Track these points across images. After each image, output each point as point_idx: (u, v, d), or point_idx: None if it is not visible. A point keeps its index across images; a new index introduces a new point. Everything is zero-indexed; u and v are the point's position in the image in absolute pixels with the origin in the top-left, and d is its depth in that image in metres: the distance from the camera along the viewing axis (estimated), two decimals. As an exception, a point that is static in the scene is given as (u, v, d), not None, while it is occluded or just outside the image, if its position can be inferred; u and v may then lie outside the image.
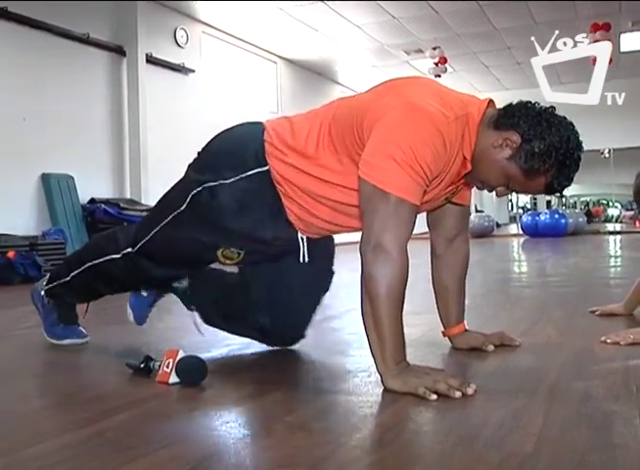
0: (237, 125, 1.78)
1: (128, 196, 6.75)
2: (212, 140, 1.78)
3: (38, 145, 5.78)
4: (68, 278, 1.99)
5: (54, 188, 5.82)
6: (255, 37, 8.81)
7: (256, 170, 1.61)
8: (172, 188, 1.82)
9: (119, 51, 6.74)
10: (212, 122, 7.51)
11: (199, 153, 1.77)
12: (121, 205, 6.13)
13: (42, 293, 2.08)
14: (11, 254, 4.86)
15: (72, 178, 6.02)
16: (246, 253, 1.71)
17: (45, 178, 5.81)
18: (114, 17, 6.73)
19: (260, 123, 1.70)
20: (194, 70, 7.78)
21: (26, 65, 5.69)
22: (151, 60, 7.04)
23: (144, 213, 6.19)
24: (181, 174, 1.77)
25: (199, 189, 1.65)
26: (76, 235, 5.87)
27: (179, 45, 7.62)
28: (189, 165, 1.77)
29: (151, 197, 6.71)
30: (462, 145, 1.48)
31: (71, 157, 6.10)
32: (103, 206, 6.01)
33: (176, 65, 7.50)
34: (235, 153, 1.66)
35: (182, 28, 7.65)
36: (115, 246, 1.87)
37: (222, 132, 1.78)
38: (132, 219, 6.05)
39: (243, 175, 1.62)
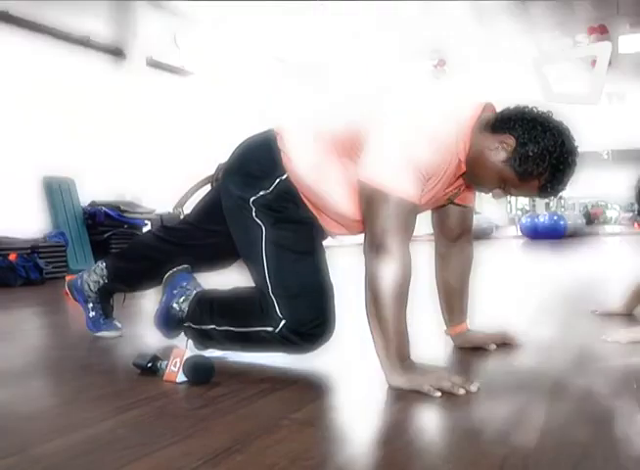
0: (251, 137, 1.80)
1: (128, 199, 6.75)
2: (234, 157, 1.78)
3: (39, 148, 5.79)
4: (209, 326, 1.73)
5: (55, 191, 5.84)
6: (255, 40, 8.82)
7: (280, 178, 1.65)
8: (234, 225, 1.74)
9: (119, 54, 6.76)
10: (212, 125, 7.63)
11: (224, 174, 1.78)
12: (122, 207, 6.14)
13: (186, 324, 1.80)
14: (12, 256, 4.89)
15: (73, 181, 6.04)
16: None
17: (46, 181, 5.83)
18: (114, 20, 6.75)
19: (272, 130, 1.73)
20: (193, 73, 7.80)
21: (27, 67, 5.70)
22: (150, 63, 7.06)
23: (144, 216, 6.23)
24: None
25: (253, 209, 1.65)
26: (77, 238, 5.88)
27: (179, 48, 7.63)
28: (223, 192, 1.76)
29: (151, 199, 6.72)
30: (457, 147, 1.52)
31: (72, 160, 6.11)
32: (103, 208, 6.02)
33: (176, 67, 7.52)
34: (261, 164, 1.69)
35: (182, 31, 7.67)
36: (269, 320, 1.63)
37: (241, 145, 1.80)
38: (133, 222, 6.07)
39: (275, 183, 1.65)
